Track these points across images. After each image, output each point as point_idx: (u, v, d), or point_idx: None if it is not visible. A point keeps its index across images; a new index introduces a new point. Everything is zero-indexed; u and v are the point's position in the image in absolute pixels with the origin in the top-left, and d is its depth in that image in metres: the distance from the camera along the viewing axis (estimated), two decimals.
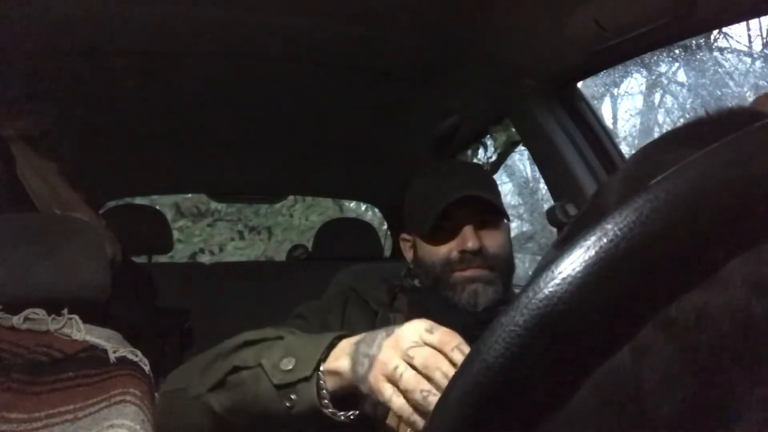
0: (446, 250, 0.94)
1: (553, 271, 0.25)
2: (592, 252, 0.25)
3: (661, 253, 0.25)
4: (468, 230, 0.92)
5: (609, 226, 0.25)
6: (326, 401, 0.67)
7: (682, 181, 0.25)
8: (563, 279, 0.25)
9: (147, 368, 1.03)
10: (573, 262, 0.25)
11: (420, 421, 0.60)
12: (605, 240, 0.24)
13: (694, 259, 0.25)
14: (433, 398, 0.58)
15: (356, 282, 1.07)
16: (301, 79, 1.55)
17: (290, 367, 0.68)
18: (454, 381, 0.27)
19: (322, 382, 0.67)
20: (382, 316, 0.98)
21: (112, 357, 1.00)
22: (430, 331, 0.63)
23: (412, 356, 0.60)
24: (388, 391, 0.61)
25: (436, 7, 1.17)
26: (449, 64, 1.41)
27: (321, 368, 0.68)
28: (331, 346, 0.70)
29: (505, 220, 0.99)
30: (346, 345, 0.69)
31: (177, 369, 0.86)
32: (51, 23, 1.17)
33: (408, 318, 0.96)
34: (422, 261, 0.98)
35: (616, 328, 0.25)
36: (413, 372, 0.60)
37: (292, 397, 0.68)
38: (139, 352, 1.04)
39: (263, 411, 0.70)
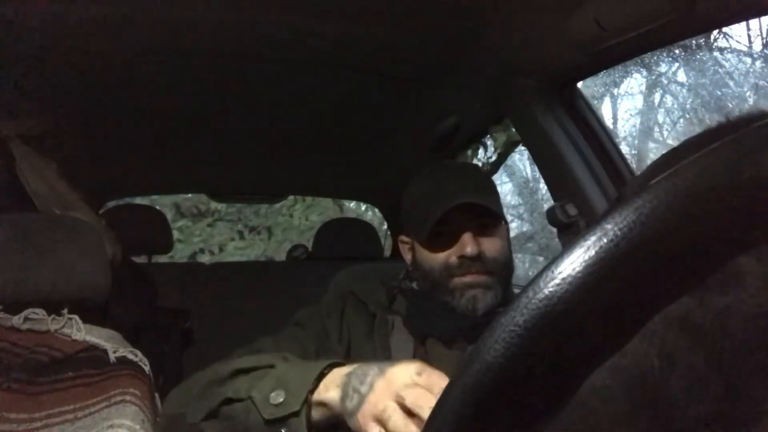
0: (445, 256, 0.93)
1: (553, 271, 0.25)
2: (592, 252, 0.24)
3: (661, 253, 0.24)
4: (467, 236, 0.91)
5: (609, 226, 0.25)
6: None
7: (682, 181, 0.25)
8: (563, 279, 0.24)
9: (147, 368, 1.03)
10: (573, 262, 0.25)
11: None
12: (605, 240, 0.24)
13: (693, 259, 0.25)
14: None
15: (354, 285, 1.07)
16: (301, 79, 1.55)
17: (280, 401, 0.69)
18: (454, 381, 0.27)
19: (310, 412, 0.68)
20: (381, 318, 0.98)
21: (112, 357, 1.00)
22: (420, 373, 0.64)
23: (404, 397, 0.61)
24: None
25: (435, 7, 1.17)
26: (449, 64, 1.41)
27: (310, 399, 0.68)
28: (321, 375, 0.70)
29: (504, 223, 0.99)
30: (337, 375, 0.69)
31: (176, 388, 0.87)
32: (51, 23, 1.17)
33: (405, 321, 0.97)
34: (421, 265, 0.97)
35: (616, 328, 0.25)
36: (402, 415, 0.60)
37: (283, 431, 0.68)
38: (139, 352, 1.04)
39: None
